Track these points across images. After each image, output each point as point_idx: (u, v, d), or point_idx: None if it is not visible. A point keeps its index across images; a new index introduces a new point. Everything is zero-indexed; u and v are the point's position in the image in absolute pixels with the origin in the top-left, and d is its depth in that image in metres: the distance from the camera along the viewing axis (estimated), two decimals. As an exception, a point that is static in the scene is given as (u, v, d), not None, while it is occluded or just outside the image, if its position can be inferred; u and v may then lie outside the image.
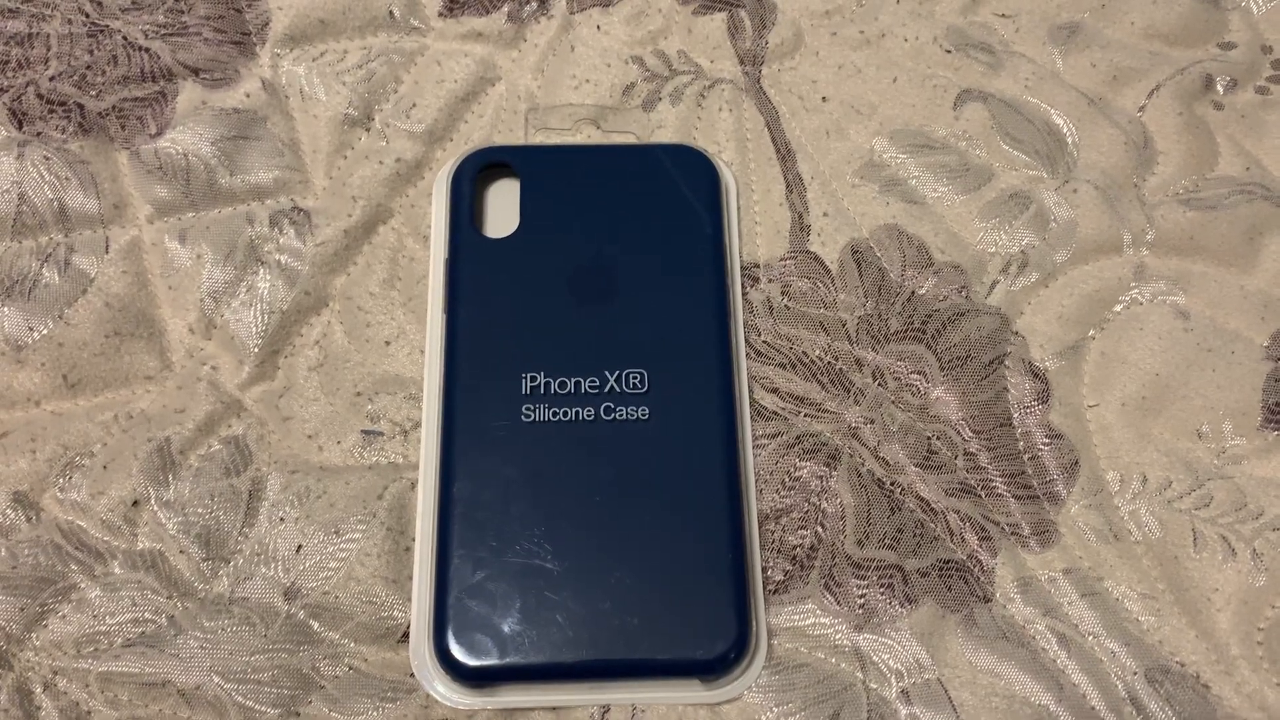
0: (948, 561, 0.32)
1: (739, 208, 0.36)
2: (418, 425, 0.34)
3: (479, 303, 0.33)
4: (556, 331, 0.33)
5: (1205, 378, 0.34)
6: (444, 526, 0.30)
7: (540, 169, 0.35)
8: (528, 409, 0.32)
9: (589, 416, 0.32)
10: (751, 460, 0.33)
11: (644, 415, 0.32)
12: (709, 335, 0.33)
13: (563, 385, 0.32)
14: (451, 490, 0.31)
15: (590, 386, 0.32)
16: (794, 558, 0.32)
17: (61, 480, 0.32)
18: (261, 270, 0.35)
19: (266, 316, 0.34)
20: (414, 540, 0.32)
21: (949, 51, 0.38)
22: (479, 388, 0.32)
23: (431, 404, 0.33)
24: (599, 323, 0.33)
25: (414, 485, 0.33)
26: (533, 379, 0.32)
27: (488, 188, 0.35)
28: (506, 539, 0.30)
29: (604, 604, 0.30)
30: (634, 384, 0.32)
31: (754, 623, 0.30)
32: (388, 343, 0.35)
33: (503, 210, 0.35)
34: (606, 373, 0.32)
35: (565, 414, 0.32)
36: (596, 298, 0.33)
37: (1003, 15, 0.39)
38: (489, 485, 0.31)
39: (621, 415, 0.32)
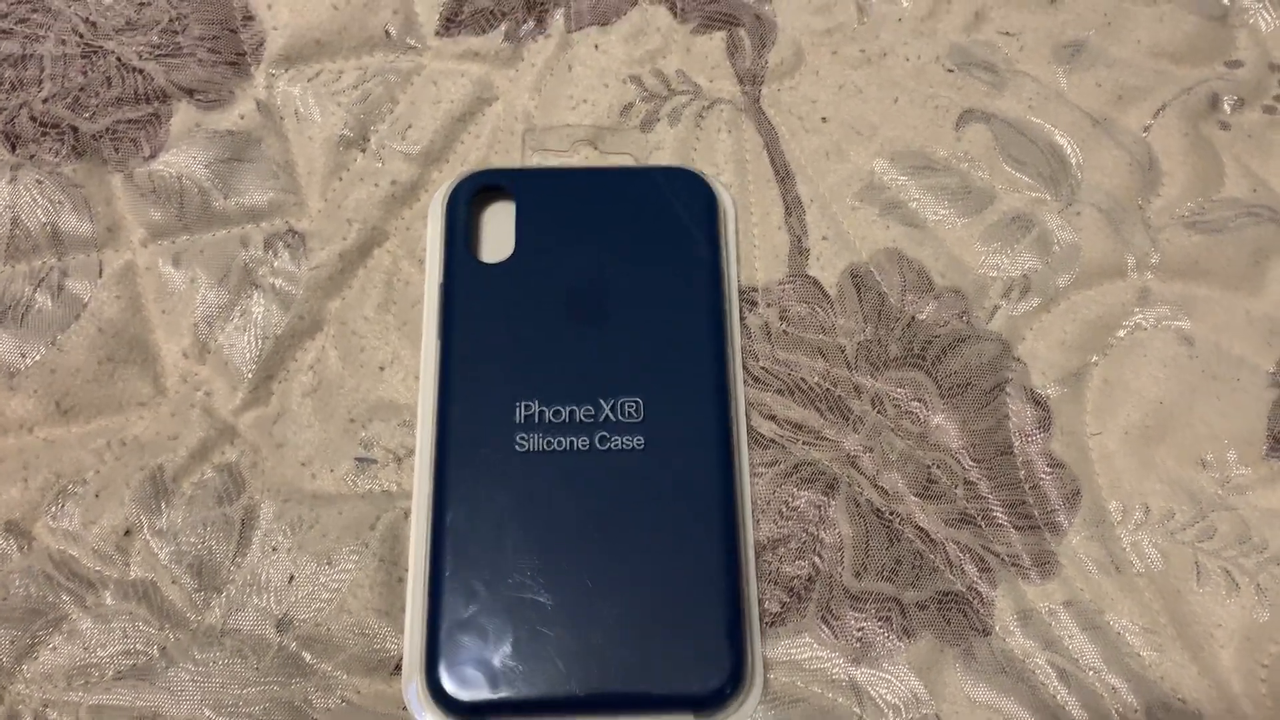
0: (947, 593, 0.32)
1: (737, 230, 0.35)
2: (412, 453, 0.33)
3: (473, 329, 0.33)
4: (551, 358, 0.32)
5: (1209, 405, 0.34)
6: (436, 558, 0.30)
7: (536, 192, 0.34)
8: (522, 438, 0.31)
9: (584, 446, 0.31)
10: (749, 490, 0.32)
11: (639, 445, 0.31)
12: (705, 362, 0.33)
13: (557, 414, 0.32)
14: (444, 521, 0.30)
15: (585, 415, 0.32)
16: (791, 589, 0.32)
17: (53, 509, 0.32)
18: (256, 294, 0.34)
19: (261, 341, 0.34)
20: (406, 571, 0.31)
21: (951, 71, 0.38)
22: (472, 416, 0.32)
23: (425, 431, 0.32)
24: (594, 349, 0.32)
25: (407, 514, 0.33)
26: (527, 407, 0.32)
27: (483, 211, 0.35)
28: (499, 571, 0.30)
29: (598, 637, 0.29)
30: (629, 413, 0.32)
31: (750, 656, 0.30)
32: (382, 368, 0.34)
33: (498, 234, 0.34)
34: (602, 401, 0.32)
35: (560, 443, 0.31)
36: (592, 324, 0.33)
37: (1006, 33, 0.39)
38: (482, 516, 0.30)
39: (617, 445, 0.31)
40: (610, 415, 0.32)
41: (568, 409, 0.32)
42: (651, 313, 0.33)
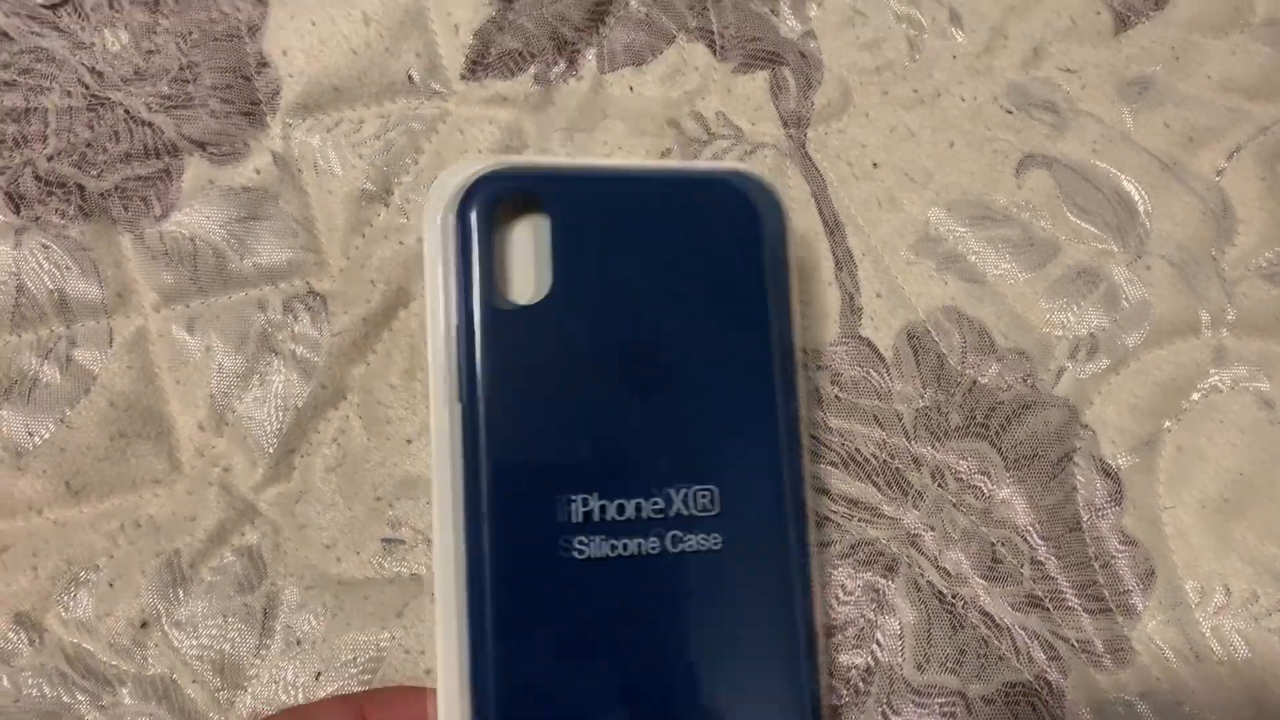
0: (1014, 684, 0.30)
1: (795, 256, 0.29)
2: (443, 532, 0.31)
3: (505, 395, 0.25)
4: (607, 435, 0.26)
5: (1293, 476, 0.32)
6: (480, 702, 0.24)
7: (577, 203, 0.27)
8: (580, 543, 0.25)
9: (653, 549, 0.26)
10: (819, 590, 0.28)
11: (716, 545, 0.26)
12: (780, 435, 0.27)
13: (621, 509, 0.26)
14: (484, 661, 0.25)
15: (654, 510, 0.26)
16: (849, 681, 0.30)
17: (65, 598, 0.30)
18: (275, 361, 0.32)
19: (281, 413, 0.32)
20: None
21: (1010, 112, 0.36)
22: (514, 516, 0.25)
23: (448, 535, 0.25)
24: (658, 421, 0.26)
25: (434, 598, 0.31)
26: (585, 502, 0.25)
27: (505, 227, 0.27)
28: (561, 710, 0.25)
29: None
30: (704, 504, 0.26)
31: None
32: (409, 440, 0.32)
33: (524, 258, 0.27)
34: (671, 491, 0.26)
35: (625, 548, 0.25)
36: (652, 386, 0.26)
37: (1067, 70, 0.36)
38: (534, 646, 0.25)
39: (691, 546, 0.26)
40: (682, 508, 0.26)
41: (633, 503, 0.26)
42: (719, 370, 0.27)
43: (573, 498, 0.25)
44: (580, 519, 0.25)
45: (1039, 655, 0.30)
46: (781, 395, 0.27)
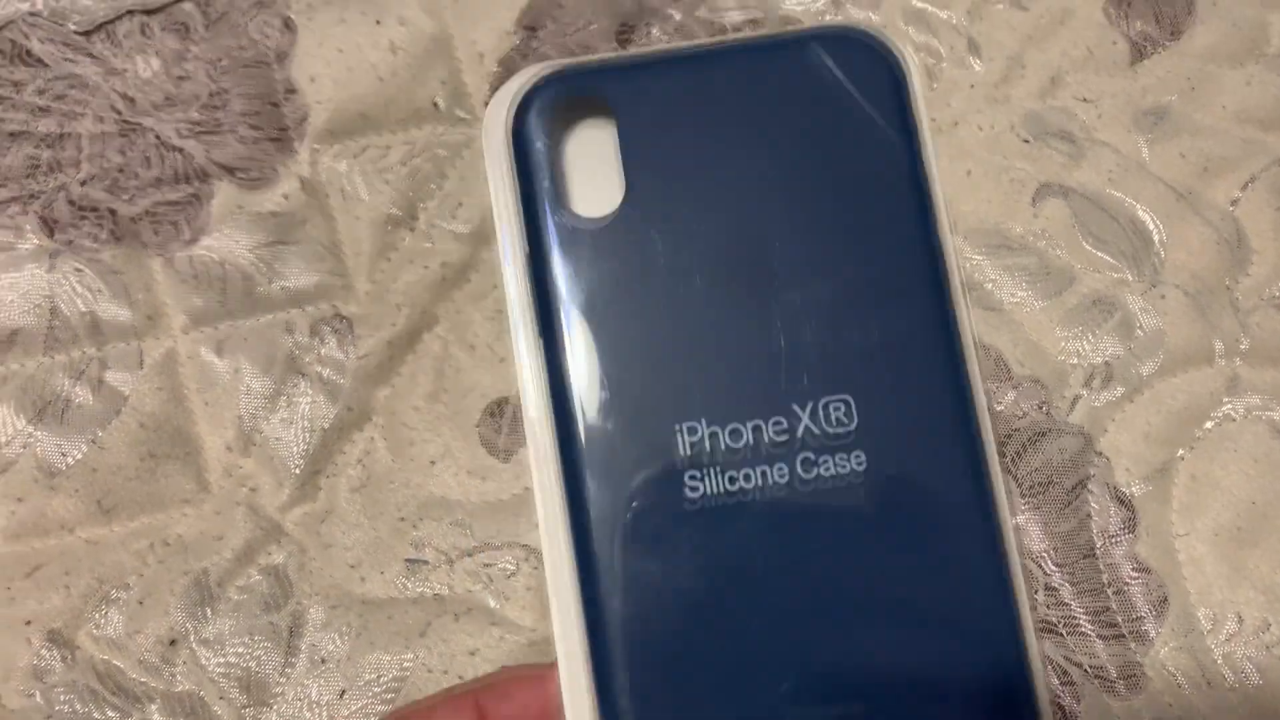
0: (1028, 710, 0.30)
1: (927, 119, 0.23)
2: (464, 554, 0.32)
3: (590, 321, 0.22)
4: (711, 353, 0.22)
5: (1305, 506, 0.32)
6: (604, 680, 0.21)
7: (645, 99, 0.23)
8: (693, 479, 0.21)
9: (781, 478, 0.21)
10: (1005, 501, 0.22)
11: (859, 465, 0.21)
12: (926, 323, 0.22)
13: (736, 435, 0.21)
14: (603, 624, 0.21)
15: (776, 431, 0.21)
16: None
17: (96, 616, 0.31)
18: (302, 383, 0.33)
19: (308, 435, 0.33)
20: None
21: (1027, 141, 0.36)
22: (617, 457, 0.21)
23: (549, 486, 0.22)
24: (768, 331, 0.22)
25: (457, 618, 0.31)
26: (692, 431, 0.21)
27: (568, 135, 0.23)
28: (695, 681, 0.21)
29: None
30: (839, 419, 0.21)
31: None
32: (433, 462, 0.33)
33: (597, 168, 0.23)
34: (795, 407, 0.21)
35: (748, 479, 0.21)
36: (756, 292, 0.22)
37: (1084, 100, 0.37)
38: (656, 607, 0.21)
39: (828, 470, 0.21)
40: (811, 426, 0.21)
41: (750, 425, 0.21)
42: (838, 264, 0.22)
43: (678, 427, 0.21)
44: (689, 452, 0.21)
45: (1053, 680, 0.31)
46: (921, 274, 0.22)
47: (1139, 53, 0.37)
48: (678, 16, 0.37)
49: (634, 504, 0.21)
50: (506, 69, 0.36)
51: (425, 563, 0.32)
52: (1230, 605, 0.31)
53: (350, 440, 0.33)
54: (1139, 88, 0.37)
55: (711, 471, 0.21)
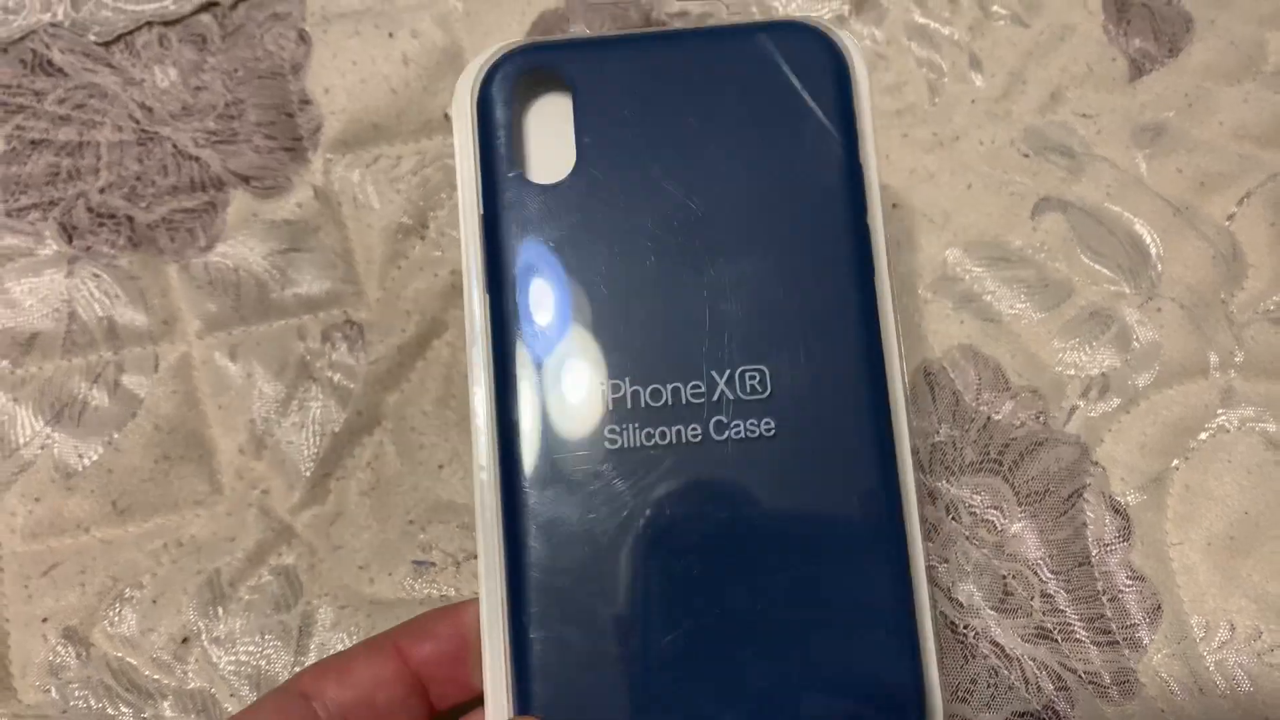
0: (1023, 714, 0.31)
1: (871, 109, 0.25)
2: (470, 556, 0.33)
3: (533, 279, 0.24)
4: (642, 317, 0.24)
5: (1298, 516, 0.33)
6: (517, 601, 0.23)
7: (601, 75, 0.25)
8: (612, 432, 0.23)
9: (694, 437, 0.23)
10: (912, 482, 0.24)
11: (768, 430, 0.23)
12: (846, 305, 0.24)
13: (656, 395, 0.23)
14: (522, 553, 0.23)
15: (693, 394, 0.23)
16: (862, 708, 0.31)
17: (111, 614, 0.32)
18: (313, 388, 0.34)
19: (319, 438, 0.33)
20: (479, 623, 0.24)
21: (1027, 155, 0.37)
22: (546, 404, 0.24)
23: (481, 426, 0.24)
24: (695, 300, 0.24)
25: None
26: (615, 388, 0.24)
27: (528, 107, 0.25)
28: (603, 611, 0.23)
29: (748, 683, 0.23)
30: (753, 387, 0.24)
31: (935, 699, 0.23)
32: (441, 466, 0.34)
33: (552, 139, 0.25)
34: (714, 374, 0.24)
35: (664, 436, 0.23)
36: (688, 263, 0.24)
37: (1084, 115, 0.37)
38: (571, 543, 0.23)
39: (739, 433, 0.23)
40: (727, 391, 0.23)
41: (669, 387, 0.24)
42: (769, 242, 0.24)
43: (603, 383, 0.24)
44: (612, 406, 0.23)
45: (1047, 686, 0.31)
46: (848, 258, 0.24)
47: (1138, 69, 0.38)
48: (684, 31, 0.38)
49: (558, 450, 0.23)
50: (516, 81, 0.37)
51: (432, 565, 0.33)
52: (1223, 613, 0.32)
53: (360, 444, 0.34)
54: (1137, 104, 0.38)
55: (631, 426, 0.23)
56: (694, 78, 0.25)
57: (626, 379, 0.24)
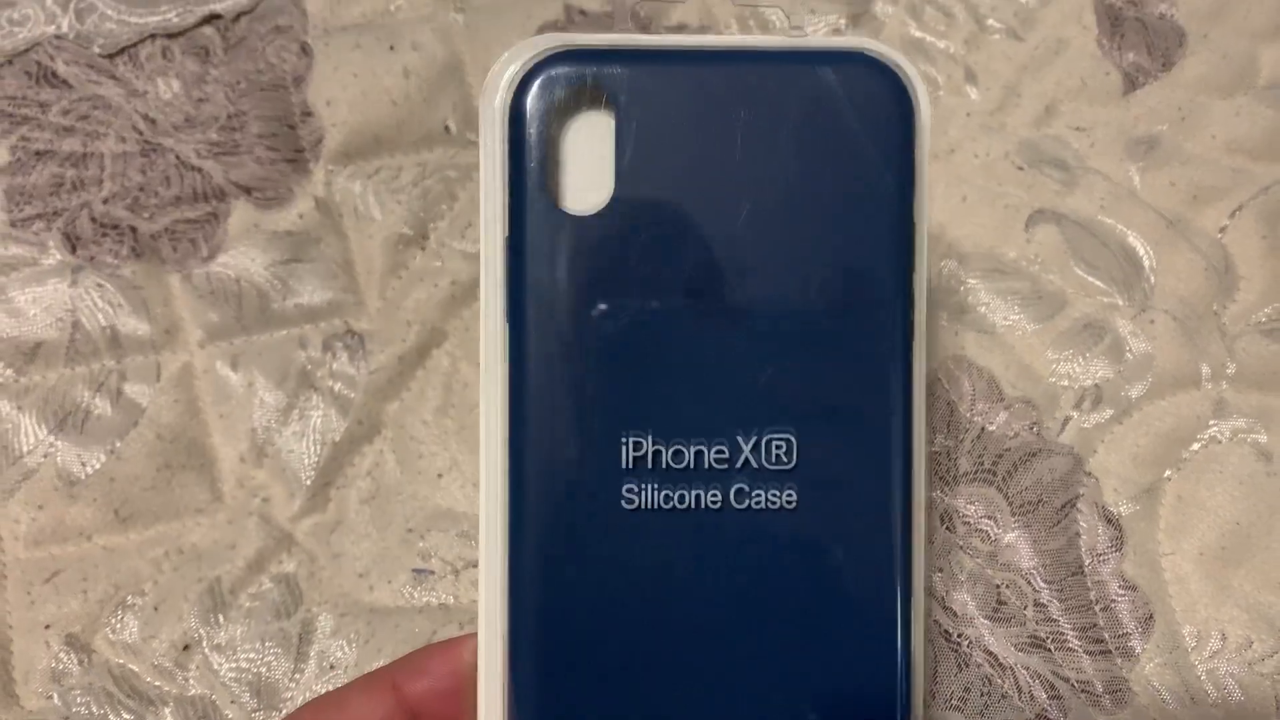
0: (1016, 722, 0.31)
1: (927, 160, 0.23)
2: (469, 564, 0.33)
3: (558, 316, 0.22)
4: (669, 368, 0.22)
5: (1289, 527, 0.33)
6: (517, 660, 0.22)
7: (646, 95, 0.22)
8: (630, 491, 0.22)
9: (714, 503, 0.22)
10: (923, 569, 0.23)
11: (789, 503, 0.22)
12: (883, 378, 0.22)
13: (678, 456, 0.22)
14: (524, 604, 0.22)
15: (717, 458, 0.22)
16: (857, 716, 0.31)
17: (113, 621, 0.32)
18: (314, 397, 0.34)
19: (319, 447, 0.34)
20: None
21: (1021, 168, 0.37)
22: (561, 454, 0.22)
23: (493, 475, 0.23)
24: (728, 355, 0.22)
25: (462, 627, 0.32)
26: (637, 446, 0.22)
27: (565, 123, 0.23)
28: (604, 678, 0.22)
29: None
30: (778, 455, 0.22)
31: None
32: (440, 475, 0.34)
33: (588, 162, 0.23)
34: (740, 438, 0.22)
35: (682, 500, 0.22)
36: (724, 313, 0.22)
37: (1078, 129, 0.38)
38: (577, 603, 0.22)
39: (759, 502, 0.22)
40: (751, 459, 0.22)
41: (693, 448, 0.22)
42: (811, 298, 0.22)
43: (624, 438, 0.22)
44: (630, 464, 0.22)
45: (1040, 694, 0.31)
46: (891, 324, 0.22)
47: (1131, 83, 0.38)
48: (682, 44, 0.38)
49: (571, 506, 0.22)
50: (516, 94, 0.37)
51: (431, 573, 0.33)
52: (1214, 623, 0.32)
53: (360, 453, 0.34)
54: (1131, 117, 0.38)
55: (649, 486, 0.22)
56: (747, 107, 0.22)
57: (649, 434, 0.22)
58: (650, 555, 0.22)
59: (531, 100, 0.22)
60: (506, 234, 0.23)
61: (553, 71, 0.22)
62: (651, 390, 0.22)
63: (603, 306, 0.22)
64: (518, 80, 0.22)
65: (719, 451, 0.22)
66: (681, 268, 0.22)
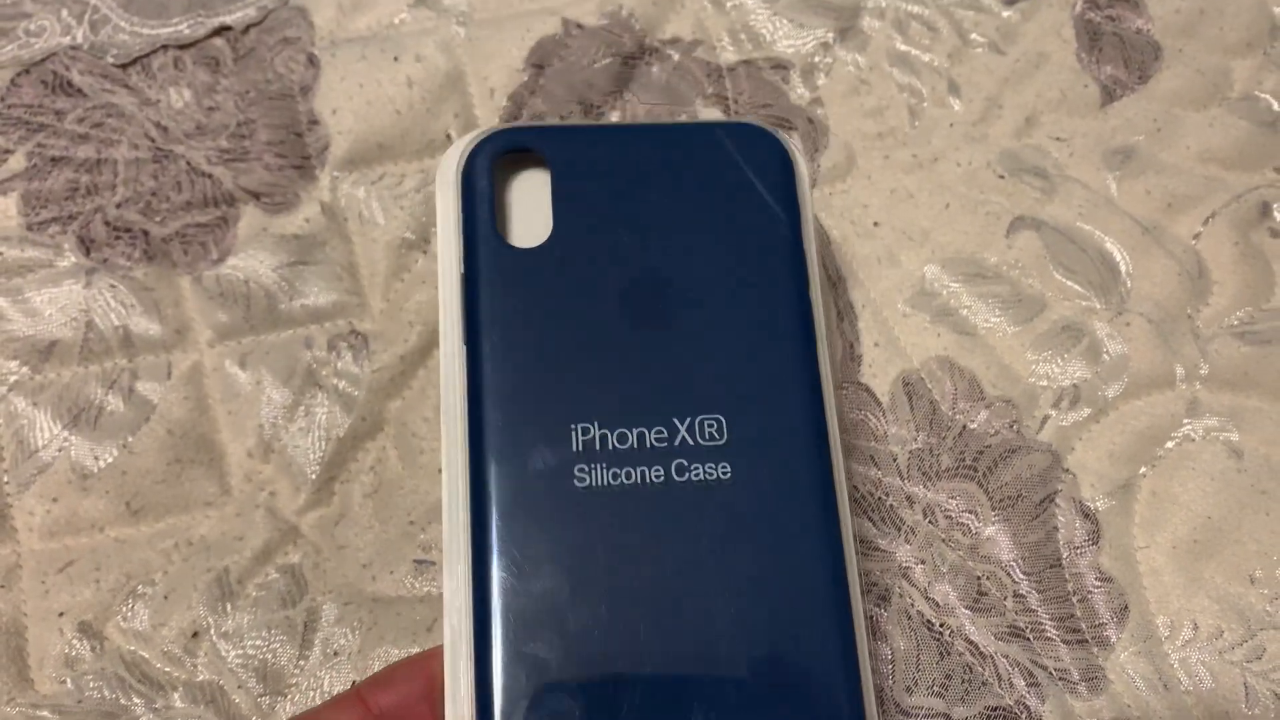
0: (995, 708, 0.32)
1: (812, 201, 0.30)
2: (470, 556, 0.34)
3: (508, 331, 0.26)
4: (608, 367, 0.26)
5: (1258, 521, 0.34)
6: (482, 631, 0.24)
7: (575, 156, 0.28)
8: (581, 471, 0.25)
9: (658, 478, 0.26)
10: (850, 520, 0.27)
11: (725, 474, 0.26)
12: (793, 364, 0.27)
13: (623, 438, 0.26)
14: (489, 582, 0.24)
15: (657, 439, 0.26)
16: (842, 702, 0.32)
17: (124, 609, 0.33)
18: (319, 395, 0.35)
19: (324, 443, 0.35)
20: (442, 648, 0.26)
21: (1002, 177, 0.38)
22: (518, 445, 0.25)
23: (455, 467, 0.26)
24: (659, 354, 0.27)
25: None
26: (585, 430, 0.26)
27: (510, 181, 0.29)
28: (566, 643, 0.24)
29: (694, 713, 0.24)
30: (710, 434, 0.26)
31: None
32: (440, 470, 0.35)
33: (529, 210, 0.28)
34: (676, 420, 0.26)
35: (629, 476, 0.25)
36: (653, 321, 0.27)
37: (1057, 139, 0.39)
38: (538, 575, 0.25)
39: (698, 475, 0.26)
40: (687, 438, 0.26)
41: (635, 431, 0.26)
42: (724, 306, 0.27)
43: (573, 427, 0.26)
44: (581, 448, 0.26)
45: (1019, 682, 0.33)
46: (793, 323, 0.27)
47: (1109, 95, 0.40)
48: (676, 56, 0.39)
49: (529, 487, 0.25)
50: (516, 104, 0.39)
51: (432, 564, 0.34)
52: (1187, 613, 0.33)
53: (363, 449, 0.35)
54: (1108, 128, 0.39)
55: (599, 466, 0.26)
56: (659, 163, 0.28)
57: (595, 422, 0.26)
58: (603, 527, 0.25)
59: (479, 161, 0.28)
60: (463, 270, 0.27)
61: (495, 141, 0.28)
62: (595, 388, 0.26)
63: (548, 321, 0.27)
64: (470, 148, 0.28)
65: (659, 433, 0.26)
66: (614, 286, 0.27)
